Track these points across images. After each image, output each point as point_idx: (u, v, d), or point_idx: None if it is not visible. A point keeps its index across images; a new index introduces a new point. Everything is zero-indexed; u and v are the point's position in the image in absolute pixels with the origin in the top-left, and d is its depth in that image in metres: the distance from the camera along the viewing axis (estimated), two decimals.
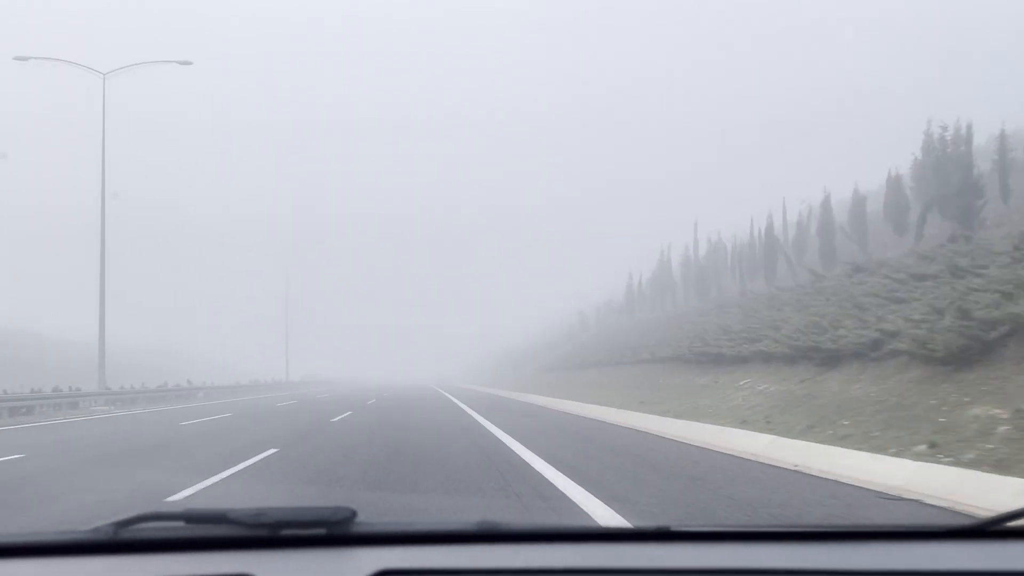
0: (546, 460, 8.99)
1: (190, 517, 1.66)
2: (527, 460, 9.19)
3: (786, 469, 7.94)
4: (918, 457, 7.45)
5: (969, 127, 20.84)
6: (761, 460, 8.67)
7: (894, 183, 24.18)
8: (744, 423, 11.74)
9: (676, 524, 1.71)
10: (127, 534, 1.62)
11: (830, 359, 13.58)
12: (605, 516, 5.67)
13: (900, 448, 7.82)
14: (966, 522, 1.77)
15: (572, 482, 7.24)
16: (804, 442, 8.97)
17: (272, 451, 10.62)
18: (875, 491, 6.62)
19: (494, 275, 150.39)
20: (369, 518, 1.72)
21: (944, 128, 21.15)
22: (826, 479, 7.25)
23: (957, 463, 6.97)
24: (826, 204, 26.81)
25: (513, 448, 10.65)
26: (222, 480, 7.98)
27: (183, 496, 6.94)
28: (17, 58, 29.45)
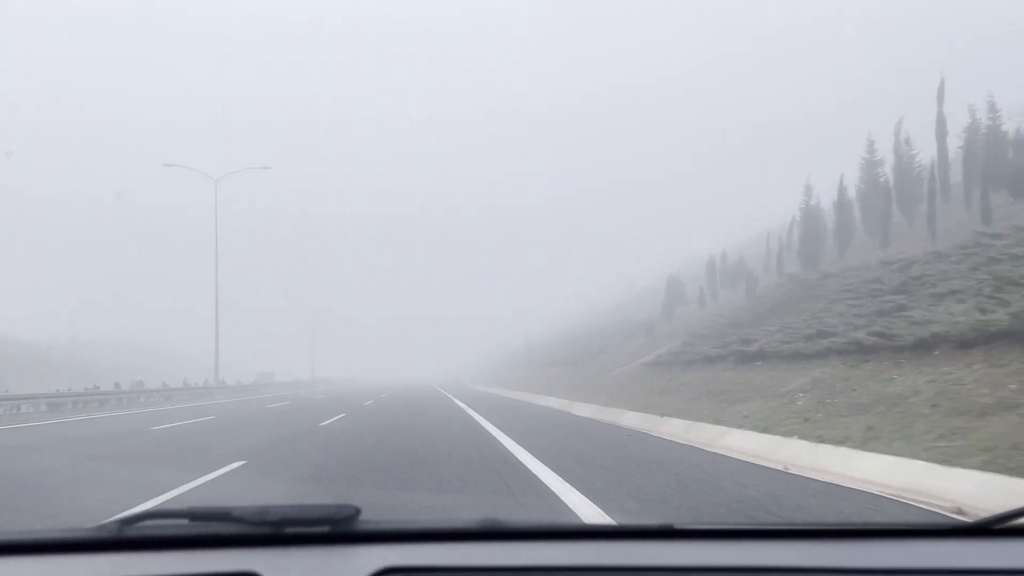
0: None
1: (194, 515, 1.73)
2: None
3: None
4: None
5: None
6: None
7: None
8: None
9: (679, 522, 1.71)
10: (131, 532, 1.68)
11: None
12: None
13: None
14: (969, 522, 1.77)
15: None
16: None
17: None
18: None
19: (497, 271, 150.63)
20: (373, 516, 1.72)
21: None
22: None
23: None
24: None
25: None
26: None
27: None
28: None
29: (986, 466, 7.04)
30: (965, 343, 11.57)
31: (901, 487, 7.22)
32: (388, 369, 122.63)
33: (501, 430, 14.41)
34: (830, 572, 1.59)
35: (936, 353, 11.97)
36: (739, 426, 12.18)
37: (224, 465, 9.61)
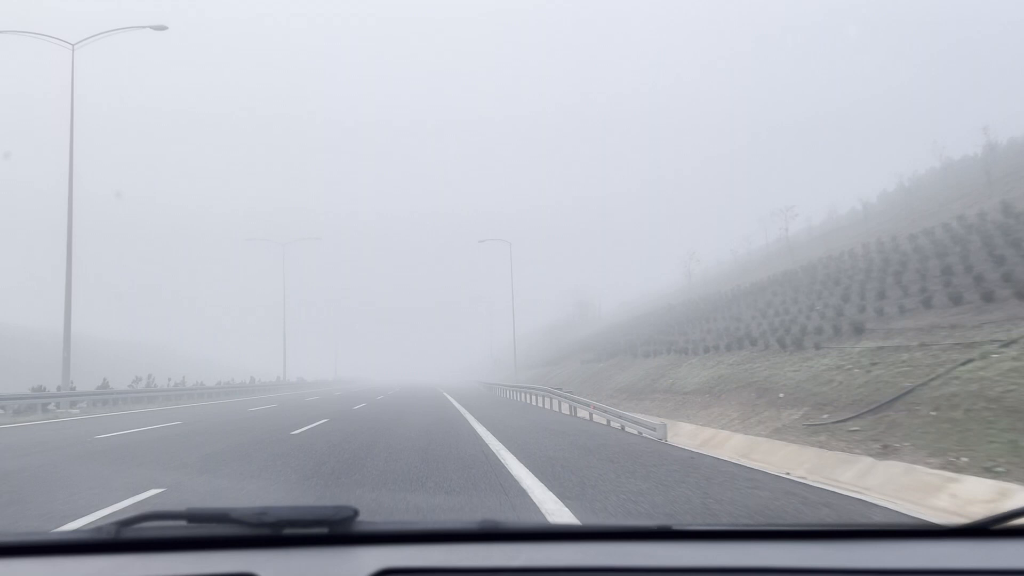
0: None
1: (192, 516, 1.73)
2: None
3: None
4: None
5: None
6: None
7: None
8: None
9: (677, 523, 1.71)
10: (130, 533, 1.69)
11: None
12: None
13: None
14: (967, 521, 1.77)
15: None
16: None
17: None
18: None
19: (499, 271, 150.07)
20: (371, 517, 1.72)
21: None
22: None
23: None
24: None
25: None
26: None
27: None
28: None
29: None
30: None
31: None
32: (391, 369, 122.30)
33: None
34: (828, 573, 1.62)
35: None
36: None
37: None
